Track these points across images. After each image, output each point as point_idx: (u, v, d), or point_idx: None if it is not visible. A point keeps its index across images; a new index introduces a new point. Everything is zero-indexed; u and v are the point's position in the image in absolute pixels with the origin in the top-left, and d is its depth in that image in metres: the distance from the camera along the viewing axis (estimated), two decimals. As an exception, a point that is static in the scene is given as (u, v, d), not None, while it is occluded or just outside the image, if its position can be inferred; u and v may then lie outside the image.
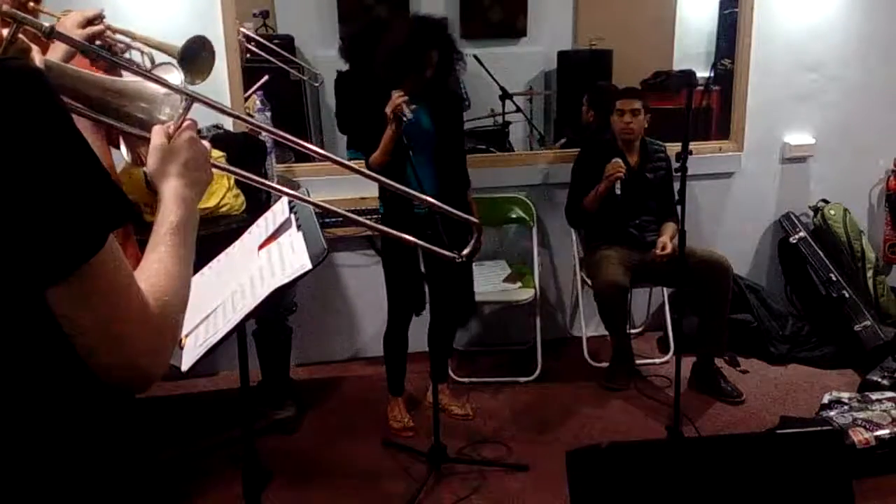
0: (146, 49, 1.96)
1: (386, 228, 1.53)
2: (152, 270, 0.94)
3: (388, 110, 2.75)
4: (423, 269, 3.14)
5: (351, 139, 4.03)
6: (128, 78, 1.19)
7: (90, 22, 1.87)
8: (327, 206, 1.45)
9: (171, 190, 1.05)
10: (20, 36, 1.01)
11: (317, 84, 3.61)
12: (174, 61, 1.49)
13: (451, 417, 3.19)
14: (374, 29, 3.23)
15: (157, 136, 1.08)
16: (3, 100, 0.76)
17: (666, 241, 3.34)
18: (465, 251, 1.52)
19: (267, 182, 1.38)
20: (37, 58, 1.04)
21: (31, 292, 0.79)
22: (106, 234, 0.82)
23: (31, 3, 1.83)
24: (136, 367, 0.86)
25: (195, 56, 1.87)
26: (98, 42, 1.84)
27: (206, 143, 1.12)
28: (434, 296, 3.16)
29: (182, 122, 1.09)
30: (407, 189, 1.63)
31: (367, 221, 1.50)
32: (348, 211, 3.39)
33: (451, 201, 2.92)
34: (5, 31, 1.01)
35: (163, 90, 1.13)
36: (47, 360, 0.84)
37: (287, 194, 1.44)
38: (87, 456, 0.90)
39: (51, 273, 0.78)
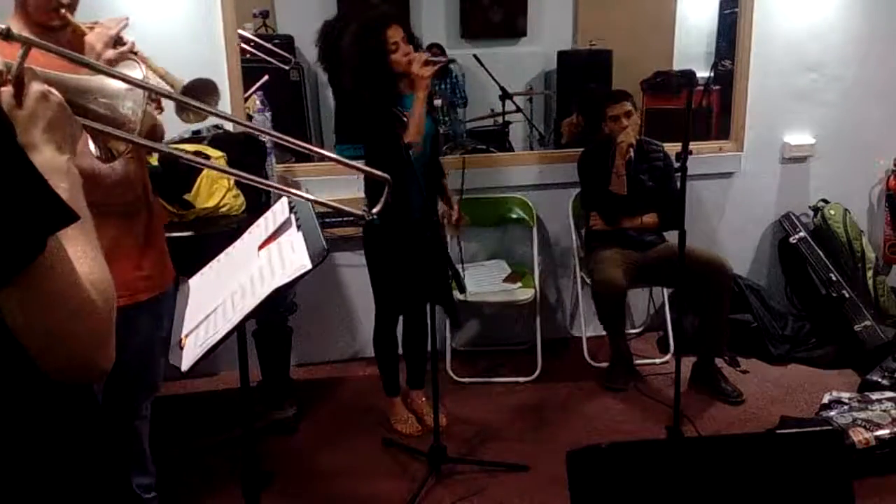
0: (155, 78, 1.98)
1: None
2: (77, 259, 0.90)
3: (414, 69, 2.70)
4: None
5: (344, 132, 4.01)
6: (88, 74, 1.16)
7: (117, 42, 1.89)
8: (322, 201, 1.44)
9: (46, 163, 0.94)
10: None
11: (294, 75, 3.65)
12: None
13: (422, 426, 3.16)
14: (332, 31, 3.19)
15: (4, 104, 0.96)
16: None
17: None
18: (375, 209, 1.47)
19: (265, 181, 1.38)
20: None
21: None
22: (44, 237, 0.81)
23: (63, 10, 1.85)
24: (88, 363, 0.86)
25: (196, 95, 1.91)
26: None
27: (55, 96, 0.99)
28: (412, 298, 3.12)
29: (21, 73, 0.97)
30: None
31: (356, 210, 1.48)
32: (346, 211, 3.40)
33: (433, 191, 2.94)
34: None
35: (125, 85, 1.11)
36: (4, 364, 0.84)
37: (284, 191, 1.43)
38: (52, 456, 0.90)
39: None
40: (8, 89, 0.97)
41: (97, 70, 1.12)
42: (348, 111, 3.19)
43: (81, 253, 0.91)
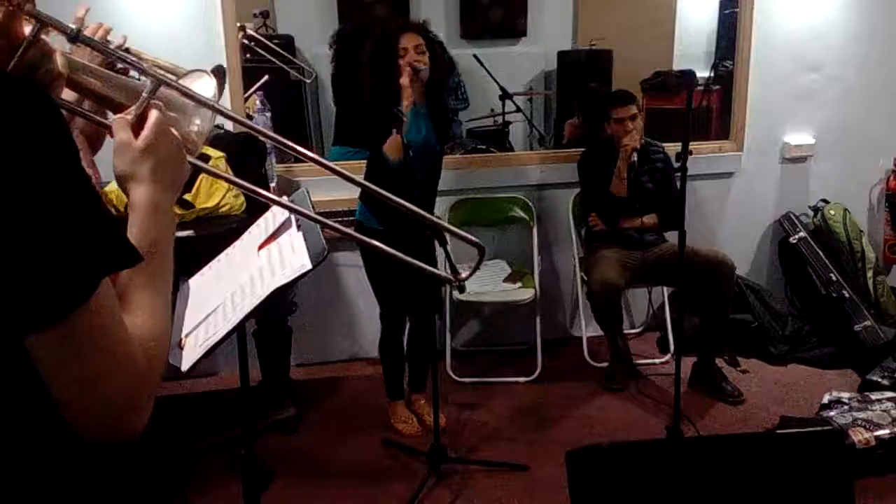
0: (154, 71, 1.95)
1: (375, 243, 1.42)
2: (133, 309, 0.82)
3: (401, 79, 2.71)
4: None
5: (342, 132, 4.02)
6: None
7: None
8: (320, 218, 1.41)
9: (144, 198, 0.90)
10: (44, 37, 0.91)
11: (308, 80, 3.68)
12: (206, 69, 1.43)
13: (422, 427, 3.16)
14: (352, 35, 3.21)
15: (120, 129, 0.91)
16: (4, 122, 0.69)
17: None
18: (465, 275, 1.47)
19: (259, 190, 1.31)
20: (59, 60, 0.95)
21: (10, 336, 0.72)
22: (100, 277, 0.74)
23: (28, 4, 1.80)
24: (115, 425, 0.78)
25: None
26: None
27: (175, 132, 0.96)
28: (412, 301, 3.13)
29: (147, 110, 0.92)
30: (391, 197, 1.54)
31: (356, 234, 1.46)
32: (345, 211, 3.41)
33: (431, 194, 2.95)
34: (27, 30, 0.91)
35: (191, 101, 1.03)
36: (24, 405, 0.77)
37: (278, 203, 1.42)
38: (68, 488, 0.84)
39: (34, 318, 0.70)
40: (125, 118, 0.92)
41: (168, 85, 0.99)
42: (352, 113, 3.20)
43: (138, 297, 0.84)
